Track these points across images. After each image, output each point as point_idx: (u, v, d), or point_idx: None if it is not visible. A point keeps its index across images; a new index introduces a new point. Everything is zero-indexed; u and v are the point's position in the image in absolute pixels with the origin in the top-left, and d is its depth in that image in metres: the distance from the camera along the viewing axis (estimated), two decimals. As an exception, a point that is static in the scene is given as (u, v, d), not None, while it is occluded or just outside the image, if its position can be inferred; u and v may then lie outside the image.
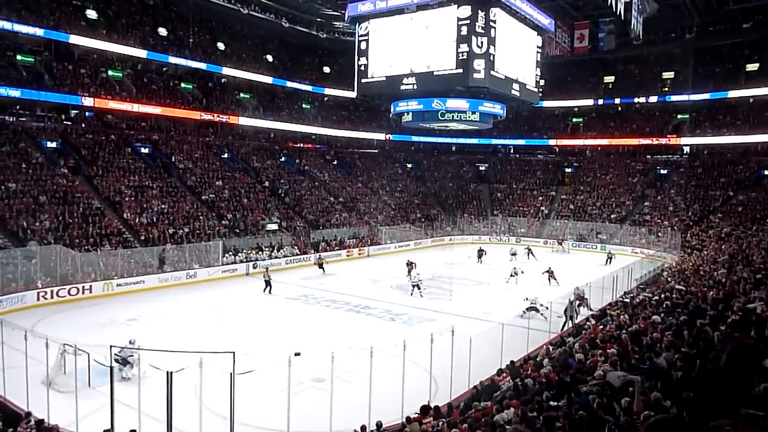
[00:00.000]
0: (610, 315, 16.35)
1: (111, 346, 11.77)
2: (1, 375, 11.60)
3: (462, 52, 24.58)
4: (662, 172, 47.98)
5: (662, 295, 16.40)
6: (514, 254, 35.49)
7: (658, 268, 27.26)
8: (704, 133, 46.86)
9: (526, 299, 20.65)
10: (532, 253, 36.78)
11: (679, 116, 49.51)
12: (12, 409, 10.67)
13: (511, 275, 28.04)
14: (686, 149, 49.03)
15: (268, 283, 25.36)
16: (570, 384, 8.85)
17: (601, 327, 14.72)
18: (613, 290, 21.79)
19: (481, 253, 35.46)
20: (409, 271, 28.23)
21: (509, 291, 25.98)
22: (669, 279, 21.83)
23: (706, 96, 46.27)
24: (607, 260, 33.73)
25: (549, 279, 27.55)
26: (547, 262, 31.97)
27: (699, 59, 45.44)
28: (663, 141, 48.30)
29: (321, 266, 30.71)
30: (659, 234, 39.03)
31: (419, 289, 24.92)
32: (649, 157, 49.83)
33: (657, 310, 13.81)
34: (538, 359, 12.86)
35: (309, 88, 48.99)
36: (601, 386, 7.95)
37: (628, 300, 18.72)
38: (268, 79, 45.66)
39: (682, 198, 43.32)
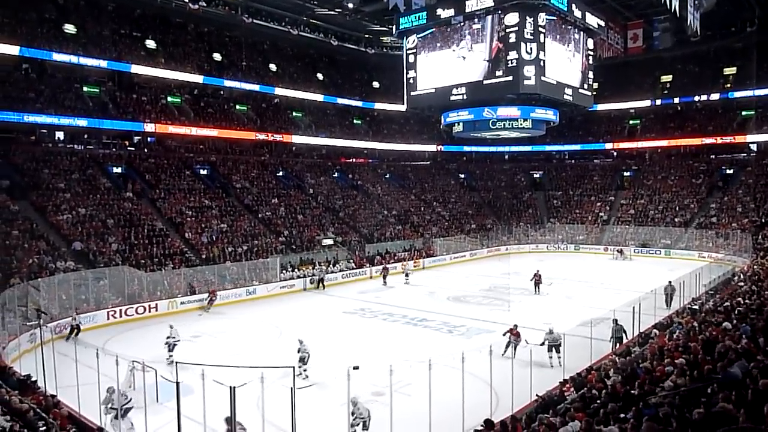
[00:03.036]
0: (678, 323, 15.65)
1: (176, 363, 12.16)
2: (75, 391, 12.13)
3: (511, 60, 24.35)
4: (728, 172, 45.83)
5: (733, 301, 15.60)
6: (407, 275, 31.67)
7: (728, 272, 25.86)
8: (772, 129, 44.57)
9: None
10: (539, 286, 27.40)
11: (743, 113, 47.22)
12: (86, 424, 11.11)
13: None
14: (753, 147, 46.63)
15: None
16: (638, 395, 8.50)
17: (668, 336, 14.09)
18: (680, 296, 20.90)
19: None
20: (209, 300, 24.93)
21: (569, 300, 25.27)
22: (741, 284, 20.73)
23: (772, 91, 44.11)
24: (666, 299, 21.81)
25: (507, 346, 15.73)
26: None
27: (762, 52, 43.32)
28: (727, 140, 46.21)
29: (320, 282, 30.01)
30: (727, 237, 37.17)
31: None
32: (713, 157, 47.76)
33: (728, 317, 13.13)
34: (602, 369, 12.42)
35: (359, 103, 49.77)
36: (671, 397, 7.61)
37: (697, 306, 17.89)
38: (319, 97, 46.60)
39: (751, 198, 41.20)
